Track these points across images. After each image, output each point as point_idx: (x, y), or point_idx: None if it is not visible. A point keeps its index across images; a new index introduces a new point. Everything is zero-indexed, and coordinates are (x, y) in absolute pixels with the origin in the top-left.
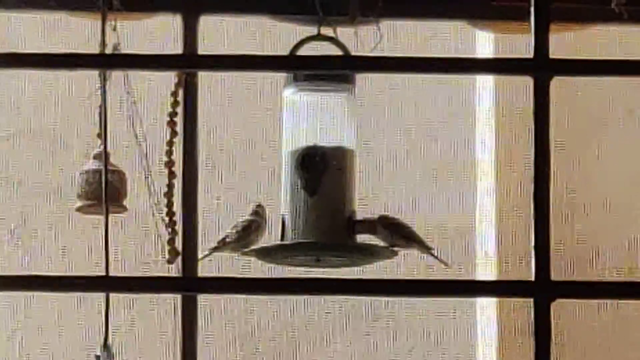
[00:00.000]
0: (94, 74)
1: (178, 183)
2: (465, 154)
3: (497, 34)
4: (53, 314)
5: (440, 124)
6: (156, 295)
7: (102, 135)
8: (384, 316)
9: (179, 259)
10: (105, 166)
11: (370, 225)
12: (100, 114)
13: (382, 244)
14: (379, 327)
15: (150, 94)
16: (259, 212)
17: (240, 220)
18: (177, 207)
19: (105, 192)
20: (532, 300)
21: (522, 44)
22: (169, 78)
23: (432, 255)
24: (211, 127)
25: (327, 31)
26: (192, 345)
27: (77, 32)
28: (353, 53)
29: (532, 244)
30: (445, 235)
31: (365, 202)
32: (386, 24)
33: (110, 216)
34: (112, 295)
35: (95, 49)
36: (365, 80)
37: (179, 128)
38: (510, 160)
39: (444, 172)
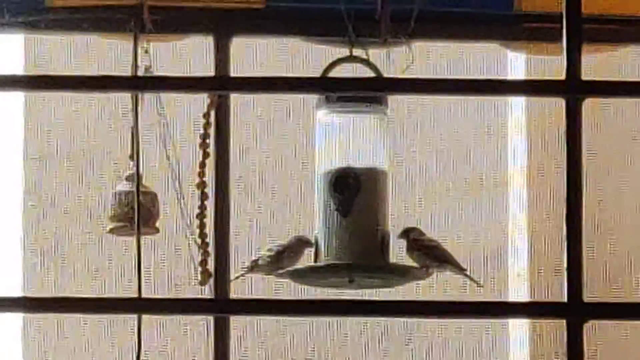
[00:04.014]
0: (126, 95)
1: (210, 204)
2: (497, 172)
3: (528, 55)
4: (85, 335)
5: (472, 143)
6: (189, 316)
7: (134, 156)
8: (417, 337)
9: (211, 280)
10: (138, 188)
11: (407, 241)
12: (132, 135)
13: (415, 264)
14: (411, 347)
15: (182, 116)
16: (297, 244)
17: (277, 245)
18: (209, 228)
19: (137, 213)
20: (564, 321)
21: (553, 65)
22: (200, 100)
23: (466, 275)
24: (243, 149)
25: (359, 53)
26: None
27: (109, 55)
28: (385, 74)
29: (564, 263)
30: (478, 254)
31: (398, 222)
32: (418, 45)
33: (143, 238)
34: (144, 316)
35: (127, 71)
36: (397, 100)
37: (211, 149)
38: (542, 180)
39: (477, 191)
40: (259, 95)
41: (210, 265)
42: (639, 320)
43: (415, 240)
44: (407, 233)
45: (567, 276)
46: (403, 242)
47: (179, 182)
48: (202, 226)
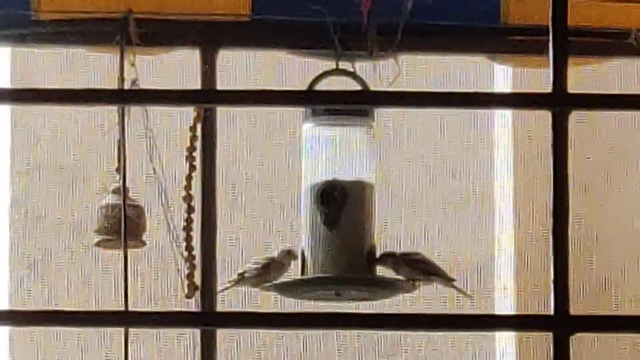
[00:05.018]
0: (113, 109)
1: (197, 217)
2: (483, 187)
3: (515, 68)
4: (73, 348)
5: (458, 158)
6: (175, 329)
7: (121, 170)
8: (403, 349)
9: (198, 293)
10: (124, 201)
11: (391, 262)
12: (119, 148)
13: (401, 277)
14: None
15: (168, 129)
16: (284, 257)
17: (262, 257)
18: (196, 241)
19: (124, 227)
20: (551, 334)
21: (540, 78)
22: (187, 113)
23: (454, 286)
24: (230, 162)
25: (345, 65)
26: None
27: (96, 68)
28: (371, 87)
29: (551, 276)
30: (464, 268)
31: (385, 236)
32: (405, 58)
33: (130, 251)
34: (131, 329)
35: (114, 84)
36: (383, 114)
37: (198, 162)
38: (529, 194)
39: (463, 206)
40: (245, 108)
41: (197, 278)
42: (626, 333)
43: (402, 255)
44: (385, 258)
45: (554, 288)
46: (388, 260)
47: (165, 195)
48: (188, 239)
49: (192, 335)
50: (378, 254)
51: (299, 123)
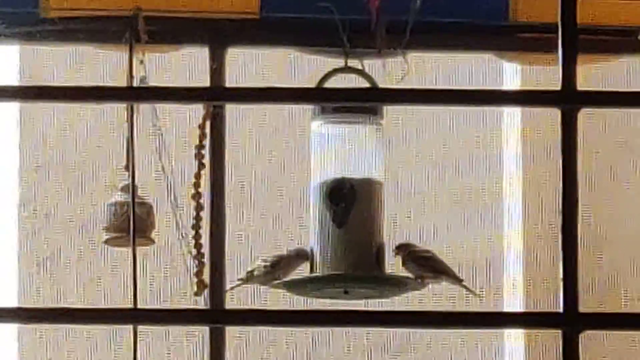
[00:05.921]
0: (122, 106)
1: (206, 215)
2: (492, 184)
3: (524, 66)
4: (82, 346)
5: (467, 155)
6: (184, 327)
7: (130, 167)
8: (411, 348)
9: (207, 291)
10: (133, 199)
11: (402, 256)
12: (127, 146)
13: (410, 275)
14: (405, 358)
15: (177, 127)
16: (294, 256)
17: (272, 255)
18: (205, 239)
19: (132, 224)
20: (560, 331)
21: (549, 75)
22: (196, 110)
23: (463, 286)
24: (239, 159)
25: (354, 63)
26: None
27: (105, 65)
28: (380, 85)
29: (559, 274)
30: (473, 265)
31: (394, 233)
32: (413, 56)
33: (138, 248)
34: (140, 327)
35: (122, 82)
36: (392, 112)
37: (207, 160)
38: (537, 192)
39: (472, 203)
40: (254, 106)
41: (206, 276)
42: (635, 330)
43: (410, 252)
44: (401, 249)
45: (563, 286)
46: (401, 252)
47: (174, 193)
48: (197, 237)
49: (201, 333)
50: (388, 250)
51: (308, 121)
